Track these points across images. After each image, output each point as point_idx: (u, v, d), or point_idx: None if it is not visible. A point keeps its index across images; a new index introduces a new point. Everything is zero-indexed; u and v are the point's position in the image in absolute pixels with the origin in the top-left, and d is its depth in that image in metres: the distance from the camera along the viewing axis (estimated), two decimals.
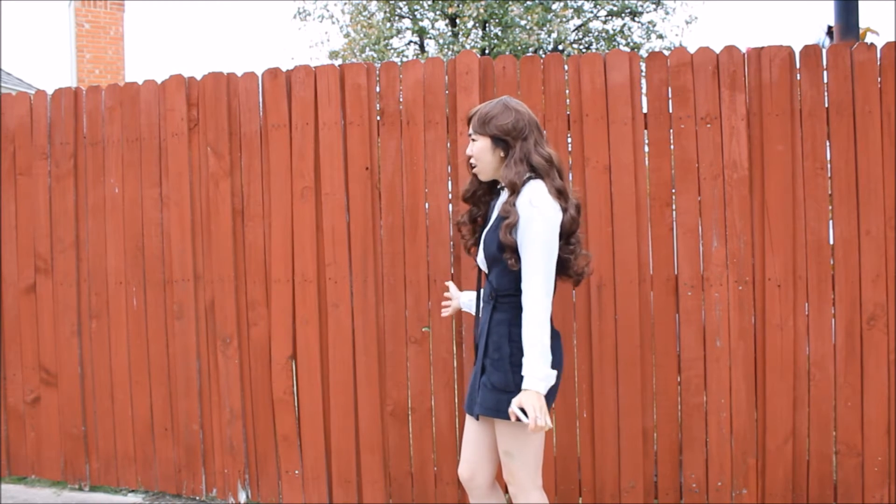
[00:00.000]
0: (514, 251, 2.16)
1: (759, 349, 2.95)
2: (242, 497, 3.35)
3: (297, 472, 3.27)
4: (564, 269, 2.28)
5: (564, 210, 2.21)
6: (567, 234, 2.23)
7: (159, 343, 3.44)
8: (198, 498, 3.42)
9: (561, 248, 2.22)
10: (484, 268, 2.35)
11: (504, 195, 2.28)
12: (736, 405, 2.96)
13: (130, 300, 3.47)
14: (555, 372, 2.14)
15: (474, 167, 2.33)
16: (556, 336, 2.26)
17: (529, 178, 2.21)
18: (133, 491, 3.54)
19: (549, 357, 2.12)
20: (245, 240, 3.31)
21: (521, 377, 2.13)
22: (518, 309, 2.18)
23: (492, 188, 2.39)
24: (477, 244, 2.41)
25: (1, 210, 3.66)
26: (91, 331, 3.54)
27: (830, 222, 2.93)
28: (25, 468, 3.69)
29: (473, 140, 2.29)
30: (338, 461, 3.22)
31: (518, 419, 2.09)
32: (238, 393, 3.32)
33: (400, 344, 3.16)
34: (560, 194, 2.21)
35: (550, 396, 2.21)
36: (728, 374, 2.95)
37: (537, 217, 2.13)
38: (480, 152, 2.28)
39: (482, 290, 2.40)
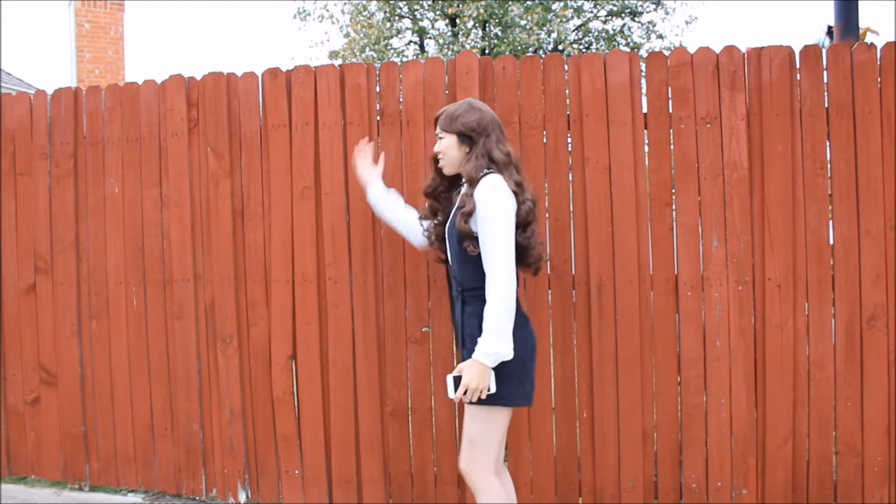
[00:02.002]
0: (471, 238, 2.32)
1: (759, 349, 2.95)
2: (242, 497, 3.35)
3: (297, 472, 3.27)
4: (522, 258, 2.43)
5: (523, 202, 2.38)
6: (524, 224, 2.39)
7: (159, 343, 3.44)
8: (198, 498, 3.42)
9: (519, 236, 2.38)
10: (450, 262, 2.49)
11: (463, 190, 2.45)
12: (736, 405, 2.95)
13: (130, 300, 3.47)
14: (508, 351, 2.25)
15: (439, 163, 2.50)
16: (524, 321, 2.41)
17: (487, 172, 2.37)
18: (133, 491, 3.54)
19: (506, 336, 2.24)
20: (245, 240, 3.30)
21: (499, 363, 2.27)
22: (485, 301, 2.29)
23: (452, 185, 2.56)
24: (441, 240, 2.57)
25: (1, 210, 3.66)
26: (91, 331, 3.54)
27: (830, 222, 2.93)
28: (25, 468, 3.69)
29: (440, 138, 2.47)
30: (338, 461, 3.22)
31: (468, 394, 2.25)
32: (238, 393, 3.32)
33: (400, 344, 3.16)
34: (518, 186, 2.38)
35: (527, 378, 2.37)
36: (728, 374, 2.95)
37: (492, 204, 2.28)
38: (447, 148, 2.45)
39: (451, 286, 2.54)
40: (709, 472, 2.99)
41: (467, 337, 2.39)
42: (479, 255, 2.32)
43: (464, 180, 2.45)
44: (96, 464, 3.58)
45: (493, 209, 2.28)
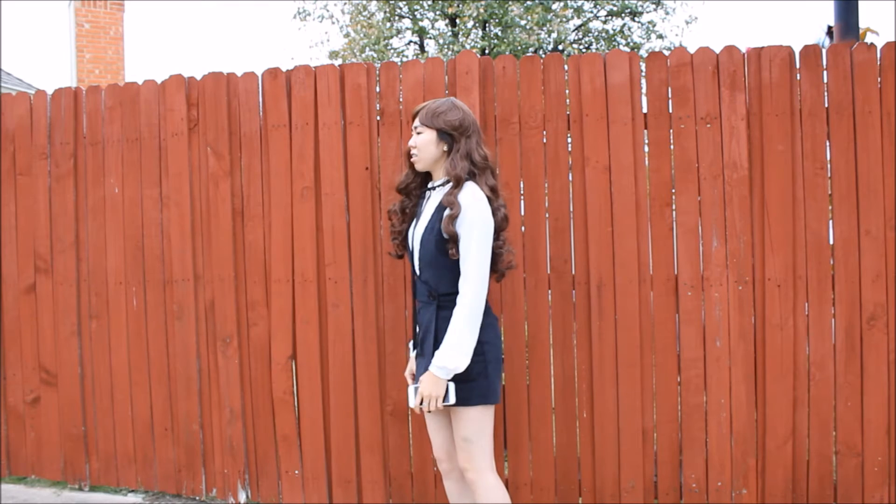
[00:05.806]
0: (457, 241, 2.29)
1: (758, 349, 2.95)
2: (242, 497, 3.35)
3: (296, 472, 3.27)
4: (493, 264, 2.43)
5: (497, 208, 2.39)
6: (497, 231, 2.40)
7: (159, 343, 3.44)
8: (198, 498, 3.42)
9: (492, 243, 2.37)
10: (416, 268, 2.46)
11: (434, 195, 2.43)
12: (736, 405, 2.96)
13: (130, 300, 3.47)
14: (464, 365, 2.27)
15: (413, 157, 2.46)
16: (495, 320, 2.44)
17: (467, 178, 2.37)
18: (133, 491, 3.54)
19: (466, 351, 2.26)
20: (245, 240, 3.30)
21: (481, 364, 2.32)
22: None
23: (423, 182, 2.52)
24: (404, 242, 2.55)
25: (1, 210, 3.66)
26: (91, 331, 3.54)
27: (830, 222, 2.93)
28: (25, 468, 3.69)
29: (419, 133, 2.42)
30: (338, 461, 3.22)
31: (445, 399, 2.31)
32: (238, 393, 3.32)
33: (400, 344, 3.16)
34: (493, 192, 2.39)
35: (496, 374, 2.40)
36: (728, 374, 2.95)
37: (478, 214, 2.29)
38: (425, 144, 2.42)
39: (417, 290, 2.50)
40: (709, 472, 2.99)
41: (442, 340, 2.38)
42: (457, 260, 2.31)
43: (445, 180, 2.41)
44: (96, 464, 3.58)
45: (480, 219, 2.29)
